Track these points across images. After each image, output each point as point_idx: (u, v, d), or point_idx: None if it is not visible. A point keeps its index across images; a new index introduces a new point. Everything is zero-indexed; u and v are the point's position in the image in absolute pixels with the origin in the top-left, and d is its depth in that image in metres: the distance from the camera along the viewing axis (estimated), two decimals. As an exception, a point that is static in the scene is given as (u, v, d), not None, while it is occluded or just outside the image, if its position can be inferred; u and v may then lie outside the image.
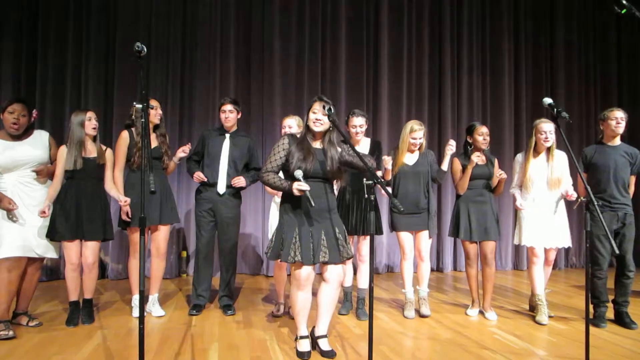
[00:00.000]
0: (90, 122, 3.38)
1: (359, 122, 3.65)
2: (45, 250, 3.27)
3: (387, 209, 5.95)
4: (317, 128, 2.75)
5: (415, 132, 3.68)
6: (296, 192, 2.59)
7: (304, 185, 2.57)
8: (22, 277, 3.23)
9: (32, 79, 5.21)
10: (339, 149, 2.81)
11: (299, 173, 2.61)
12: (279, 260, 2.73)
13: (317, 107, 2.74)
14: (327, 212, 2.74)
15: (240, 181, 3.73)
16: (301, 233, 2.68)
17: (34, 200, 3.24)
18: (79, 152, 3.30)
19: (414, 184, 3.69)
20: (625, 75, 7.05)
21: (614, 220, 3.52)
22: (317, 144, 2.81)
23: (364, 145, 3.73)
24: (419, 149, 3.77)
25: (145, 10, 5.44)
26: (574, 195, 3.51)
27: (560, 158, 3.68)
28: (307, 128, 2.79)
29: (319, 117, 2.73)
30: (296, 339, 2.82)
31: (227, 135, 3.80)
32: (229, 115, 3.77)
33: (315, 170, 2.69)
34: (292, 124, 3.64)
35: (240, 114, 3.89)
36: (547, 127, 3.62)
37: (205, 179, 3.71)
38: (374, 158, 3.64)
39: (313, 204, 2.59)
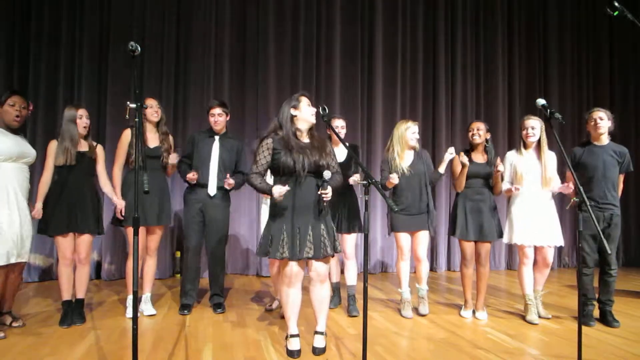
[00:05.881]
0: (82, 120, 3.36)
1: (340, 124, 3.78)
2: (28, 254, 3.21)
3: (381, 211, 6.00)
4: (312, 120, 2.81)
5: (410, 127, 3.71)
6: (276, 196, 2.62)
7: (283, 190, 2.62)
8: (5, 279, 3.19)
9: (24, 77, 5.16)
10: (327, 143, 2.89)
11: (327, 174, 2.63)
12: (268, 257, 2.75)
13: (309, 102, 2.81)
14: (314, 207, 2.72)
15: (230, 182, 3.73)
16: (289, 229, 2.69)
17: (23, 197, 3.17)
18: (72, 147, 3.28)
19: (412, 185, 3.68)
20: (616, 75, 7.14)
21: (601, 221, 3.55)
22: (304, 139, 2.82)
23: (341, 149, 3.80)
24: (414, 147, 3.77)
25: (139, 9, 5.42)
26: (558, 188, 3.54)
27: (550, 157, 3.68)
28: (293, 124, 2.79)
29: (313, 112, 2.79)
30: (286, 338, 2.82)
31: (217, 138, 3.82)
32: (218, 118, 3.79)
33: (308, 164, 2.70)
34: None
35: (229, 116, 3.91)
36: (529, 123, 3.65)
37: (195, 178, 3.70)
38: (352, 161, 3.71)
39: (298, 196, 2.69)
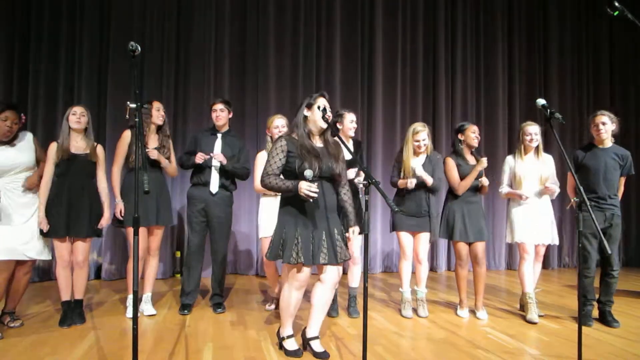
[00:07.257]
0: (75, 116, 3.34)
1: (355, 118, 3.73)
2: (37, 253, 3.23)
3: (382, 210, 6.01)
4: (322, 125, 2.70)
5: (419, 133, 3.66)
6: (304, 194, 2.48)
7: (313, 187, 2.47)
8: (11, 278, 3.20)
9: (24, 78, 5.16)
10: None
11: (309, 173, 2.51)
12: (281, 261, 2.67)
13: (325, 102, 2.70)
14: (327, 212, 2.69)
15: (220, 156, 3.65)
16: (302, 233, 2.62)
17: (23, 202, 3.19)
18: (66, 145, 3.28)
19: (418, 187, 3.66)
20: (617, 75, 7.15)
21: (601, 220, 3.56)
22: (317, 143, 2.77)
23: (349, 144, 3.77)
24: (426, 150, 3.74)
25: (139, 9, 5.41)
26: (552, 189, 3.61)
27: (547, 160, 3.76)
28: (305, 125, 2.72)
29: (329, 114, 2.67)
30: (282, 339, 2.81)
31: (219, 135, 3.81)
32: (220, 114, 3.78)
33: (323, 170, 2.65)
34: (284, 124, 3.71)
35: (231, 114, 3.90)
36: (532, 130, 3.71)
37: (208, 156, 3.65)
38: (357, 157, 3.67)
39: (316, 201, 2.58)
